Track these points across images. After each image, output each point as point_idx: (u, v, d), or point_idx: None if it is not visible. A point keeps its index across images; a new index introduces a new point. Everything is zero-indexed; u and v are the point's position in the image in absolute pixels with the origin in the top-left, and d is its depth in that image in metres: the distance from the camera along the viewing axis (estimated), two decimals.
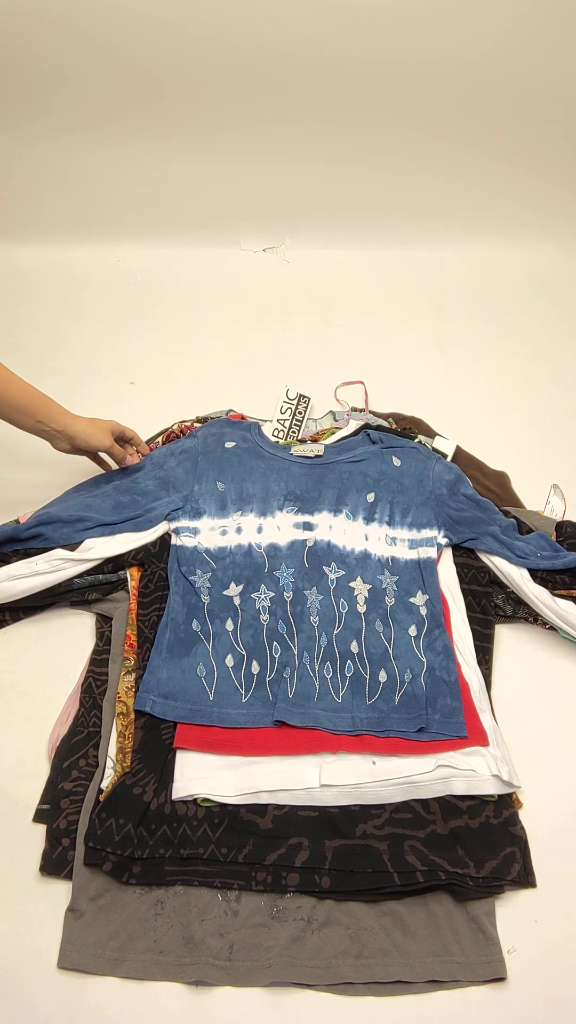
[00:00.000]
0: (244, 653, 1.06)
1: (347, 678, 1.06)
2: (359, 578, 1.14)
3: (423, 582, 1.15)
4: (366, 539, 1.18)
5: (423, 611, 1.12)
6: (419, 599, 1.13)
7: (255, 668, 1.05)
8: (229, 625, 1.09)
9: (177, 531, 1.17)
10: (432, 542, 1.19)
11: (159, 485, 1.21)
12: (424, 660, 1.08)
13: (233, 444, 1.25)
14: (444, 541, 1.20)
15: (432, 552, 1.18)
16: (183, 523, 1.18)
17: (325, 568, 1.14)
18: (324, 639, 1.08)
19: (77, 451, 1.17)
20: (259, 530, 1.18)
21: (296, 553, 1.15)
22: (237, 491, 1.21)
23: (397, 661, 1.07)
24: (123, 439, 1.22)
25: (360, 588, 1.13)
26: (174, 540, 1.17)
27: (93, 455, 1.22)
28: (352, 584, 1.13)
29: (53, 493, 1.22)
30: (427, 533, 1.19)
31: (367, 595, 1.13)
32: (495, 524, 1.19)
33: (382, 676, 1.06)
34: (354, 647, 1.08)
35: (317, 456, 1.26)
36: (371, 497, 1.21)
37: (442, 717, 1.02)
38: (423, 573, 1.16)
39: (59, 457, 1.17)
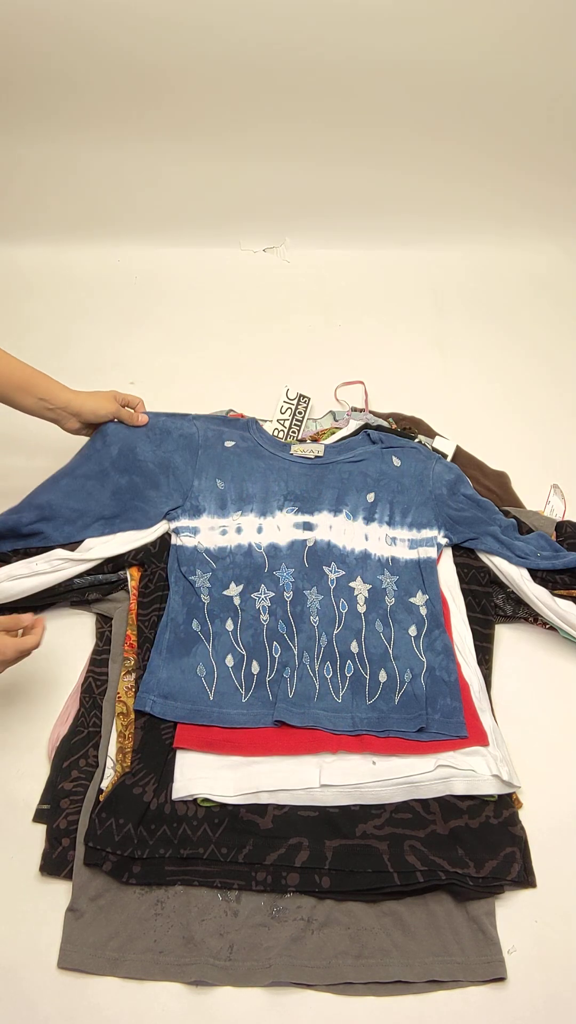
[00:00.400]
0: (244, 653, 1.06)
1: (347, 678, 1.06)
2: (359, 578, 1.14)
3: (423, 582, 1.15)
4: (366, 539, 1.18)
5: (423, 611, 1.12)
6: (419, 599, 1.13)
7: (255, 668, 1.05)
8: (229, 625, 1.09)
9: (177, 531, 1.17)
10: (432, 542, 1.19)
11: (158, 466, 1.18)
12: (424, 660, 1.08)
13: (232, 444, 1.25)
14: (444, 541, 1.19)
15: (432, 552, 1.18)
16: (183, 523, 1.17)
17: (325, 568, 1.14)
18: (324, 639, 1.08)
19: (87, 427, 1.17)
20: (259, 530, 1.17)
21: (296, 553, 1.15)
22: (237, 491, 1.20)
23: (397, 661, 1.07)
24: (128, 407, 1.21)
25: (360, 588, 1.13)
26: (174, 540, 1.17)
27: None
28: (352, 584, 1.13)
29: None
30: (427, 533, 1.19)
31: (367, 595, 1.13)
32: (495, 524, 1.19)
33: (382, 676, 1.06)
34: (354, 647, 1.08)
35: (317, 456, 1.26)
36: (371, 497, 1.21)
37: (442, 717, 1.02)
38: (423, 573, 1.16)
39: (58, 444, 1.17)
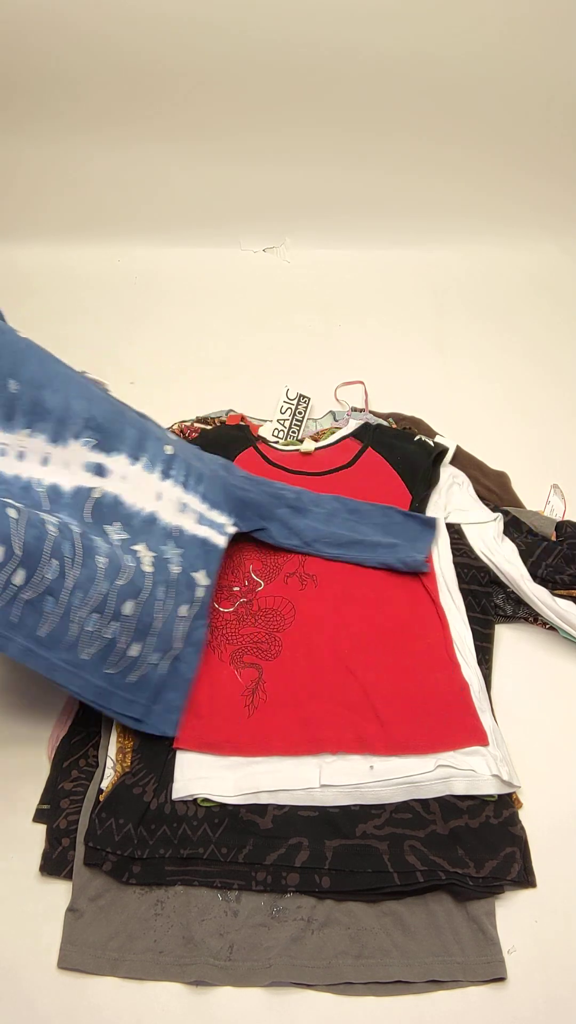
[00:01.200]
0: (20, 555, 0.87)
1: (103, 639, 0.95)
2: (144, 544, 1.03)
3: (207, 565, 1.09)
4: (158, 498, 1.07)
5: (199, 593, 1.06)
6: (202, 579, 1.07)
7: (17, 579, 0.87)
8: (13, 513, 0.89)
9: None
10: (222, 530, 1.12)
11: None
12: (179, 647, 1.04)
13: (28, 337, 1.07)
14: (233, 530, 1.13)
15: (221, 541, 1.11)
16: None
17: (107, 527, 1.02)
18: (104, 587, 0.95)
19: None
20: (44, 462, 0.99)
21: (78, 504, 1.00)
22: (31, 399, 0.99)
23: (155, 638, 1.00)
24: None
25: (145, 554, 1.02)
26: None
27: None
28: (136, 548, 1.02)
29: None
30: (217, 517, 1.12)
31: (152, 562, 1.02)
32: (283, 505, 1.16)
33: (133, 650, 0.98)
34: (127, 608, 0.97)
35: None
36: (169, 450, 1.10)
37: (163, 709, 1.00)
38: (207, 556, 1.09)
39: None
